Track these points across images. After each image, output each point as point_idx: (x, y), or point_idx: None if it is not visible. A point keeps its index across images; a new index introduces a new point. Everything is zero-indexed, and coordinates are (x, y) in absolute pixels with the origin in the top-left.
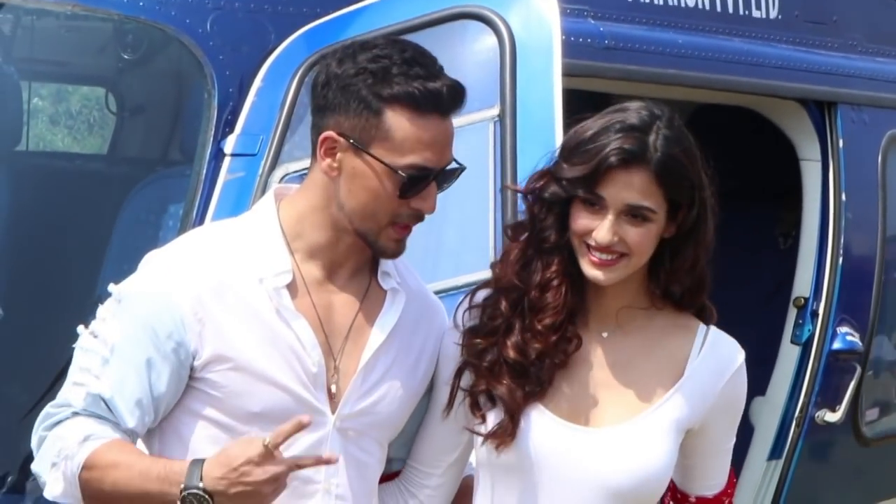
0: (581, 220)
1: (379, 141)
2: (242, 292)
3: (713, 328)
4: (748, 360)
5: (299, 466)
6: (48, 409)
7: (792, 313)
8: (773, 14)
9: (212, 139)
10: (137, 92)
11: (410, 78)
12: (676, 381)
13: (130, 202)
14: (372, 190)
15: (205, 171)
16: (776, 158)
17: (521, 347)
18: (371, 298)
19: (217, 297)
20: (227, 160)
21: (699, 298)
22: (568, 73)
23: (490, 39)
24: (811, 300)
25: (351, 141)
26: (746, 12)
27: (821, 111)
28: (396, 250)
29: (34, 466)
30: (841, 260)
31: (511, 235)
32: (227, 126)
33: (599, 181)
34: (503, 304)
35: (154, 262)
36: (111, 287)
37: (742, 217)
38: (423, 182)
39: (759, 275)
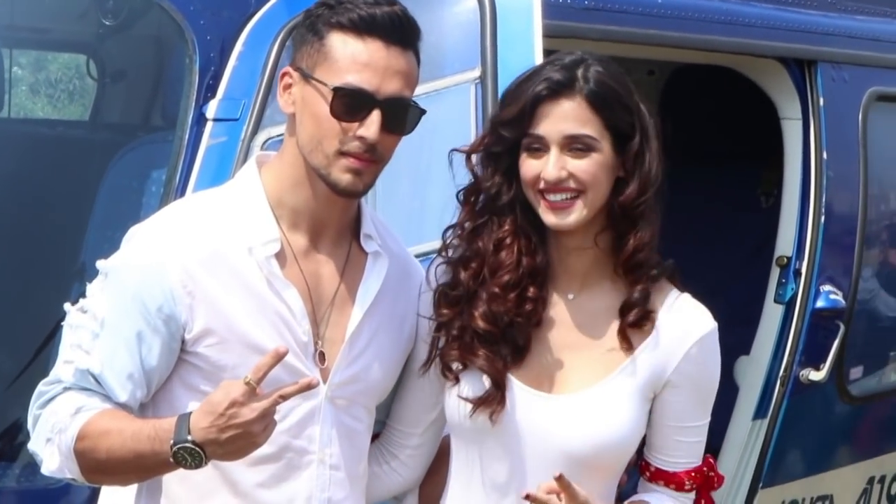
0: (528, 169)
1: (320, 64)
2: (232, 263)
3: (686, 295)
4: (733, 320)
5: (283, 397)
6: (40, 387)
7: (775, 272)
8: None
9: (194, 104)
10: (118, 58)
11: (356, 6)
12: (640, 344)
13: (113, 168)
14: (315, 115)
15: (187, 137)
16: (757, 118)
17: (489, 316)
18: (353, 263)
19: (206, 268)
20: (209, 125)
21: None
22: (548, 35)
23: (470, 1)
24: (794, 259)
25: (300, 70)
26: None
27: (801, 69)
28: (351, 184)
29: (31, 445)
30: (823, 219)
31: (463, 200)
32: (208, 91)
33: (534, 119)
34: (463, 274)
35: (140, 235)
36: (99, 263)
37: (724, 177)
38: (359, 104)
39: (741, 235)
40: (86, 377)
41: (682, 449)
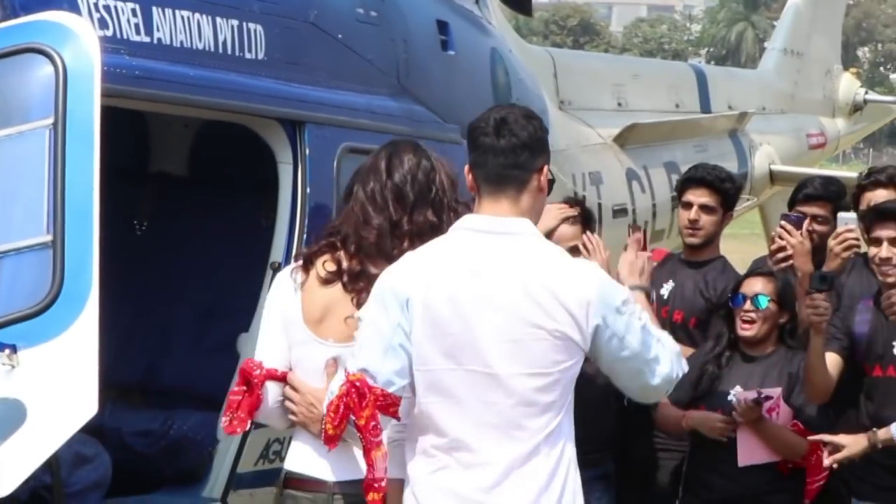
0: None
1: None
2: None
3: None
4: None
5: None
6: None
7: (269, 273)
8: (260, 55)
9: None
10: None
11: None
12: None
13: None
14: None
15: None
16: (260, 161)
17: None
18: None
19: None
20: None
21: None
22: (106, 95)
23: (49, 68)
24: (283, 263)
25: None
26: (241, 53)
27: (294, 128)
28: None
29: None
30: (305, 234)
31: None
32: None
33: None
34: None
35: None
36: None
37: (236, 204)
38: None
39: (248, 247)
40: None
41: None
